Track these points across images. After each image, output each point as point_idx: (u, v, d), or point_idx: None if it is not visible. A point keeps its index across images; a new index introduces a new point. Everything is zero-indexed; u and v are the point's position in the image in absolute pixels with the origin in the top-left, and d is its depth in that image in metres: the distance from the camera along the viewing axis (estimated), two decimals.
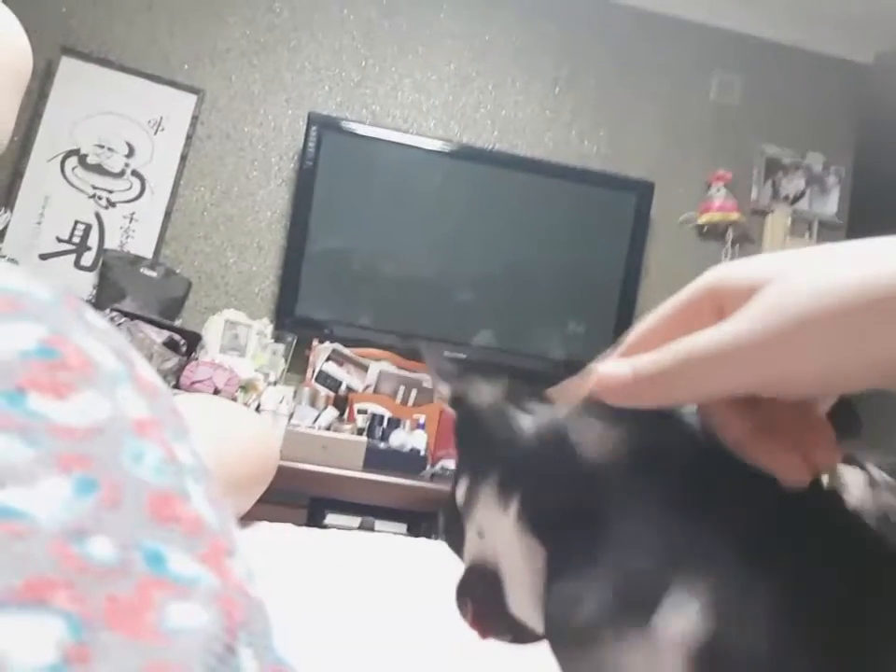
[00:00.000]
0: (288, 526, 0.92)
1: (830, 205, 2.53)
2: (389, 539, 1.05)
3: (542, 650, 0.31)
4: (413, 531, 1.77)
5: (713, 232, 2.46)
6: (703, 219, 2.44)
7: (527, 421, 0.29)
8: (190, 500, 0.19)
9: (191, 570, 0.17)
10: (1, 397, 0.17)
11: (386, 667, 0.51)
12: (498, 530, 0.29)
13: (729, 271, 0.26)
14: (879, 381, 0.22)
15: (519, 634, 0.31)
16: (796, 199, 2.52)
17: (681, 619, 0.22)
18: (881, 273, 0.21)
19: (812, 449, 0.25)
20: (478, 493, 0.31)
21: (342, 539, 0.91)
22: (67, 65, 2.15)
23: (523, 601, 0.29)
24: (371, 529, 1.75)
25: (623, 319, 2.30)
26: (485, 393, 0.32)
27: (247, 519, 0.85)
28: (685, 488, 0.25)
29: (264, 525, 0.88)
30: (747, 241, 2.48)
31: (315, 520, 1.75)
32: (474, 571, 0.32)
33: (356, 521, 1.78)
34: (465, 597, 0.33)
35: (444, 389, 0.33)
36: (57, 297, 0.20)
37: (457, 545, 0.33)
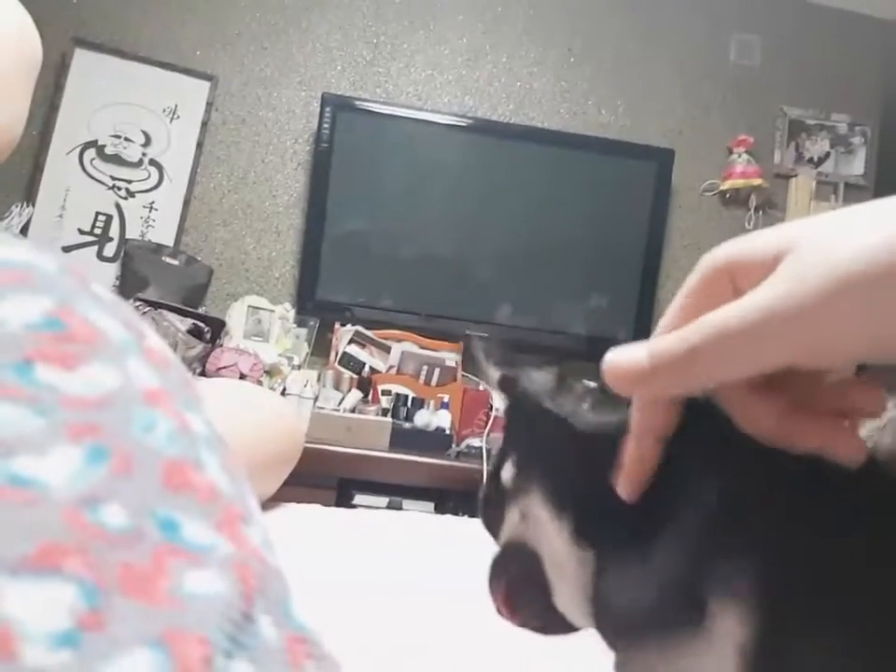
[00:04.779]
0: (317, 507, 0.93)
1: (856, 167, 2.46)
2: (416, 516, 1.06)
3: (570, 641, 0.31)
4: (441, 509, 1.78)
5: (736, 199, 2.42)
6: (725, 186, 2.39)
7: (578, 421, 0.28)
8: (204, 469, 0.19)
9: (206, 538, 0.17)
10: (9, 368, 0.17)
11: (413, 639, 0.52)
12: (547, 532, 0.29)
13: (743, 244, 0.24)
14: None
15: (549, 622, 0.31)
16: (821, 161, 2.46)
17: (728, 617, 0.22)
18: None
19: (855, 403, 0.23)
20: (526, 487, 0.30)
21: (369, 518, 0.92)
22: (81, 57, 2.15)
23: (568, 596, 0.29)
24: (399, 508, 1.77)
25: (647, 291, 2.27)
26: (537, 381, 0.31)
27: (276, 500, 0.86)
28: (724, 481, 0.24)
29: (293, 505, 0.89)
30: (771, 206, 2.43)
31: (343, 500, 1.77)
32: (512, 549, 0.32)
33: (383, 500, 1.79)
34: (499, 575, 0.32)
35: (493, 372, 0.33)
36: (63, 269, 0.20)
37: (494, 523, 0.33)
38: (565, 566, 0.28)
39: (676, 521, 0.24)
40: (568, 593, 0.29)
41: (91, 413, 0.17)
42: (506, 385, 0.32)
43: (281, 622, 0.18)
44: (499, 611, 0.33)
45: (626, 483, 0.26)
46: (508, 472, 0.32)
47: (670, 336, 0.23)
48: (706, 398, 0.26)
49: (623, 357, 0.24)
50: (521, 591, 0.31)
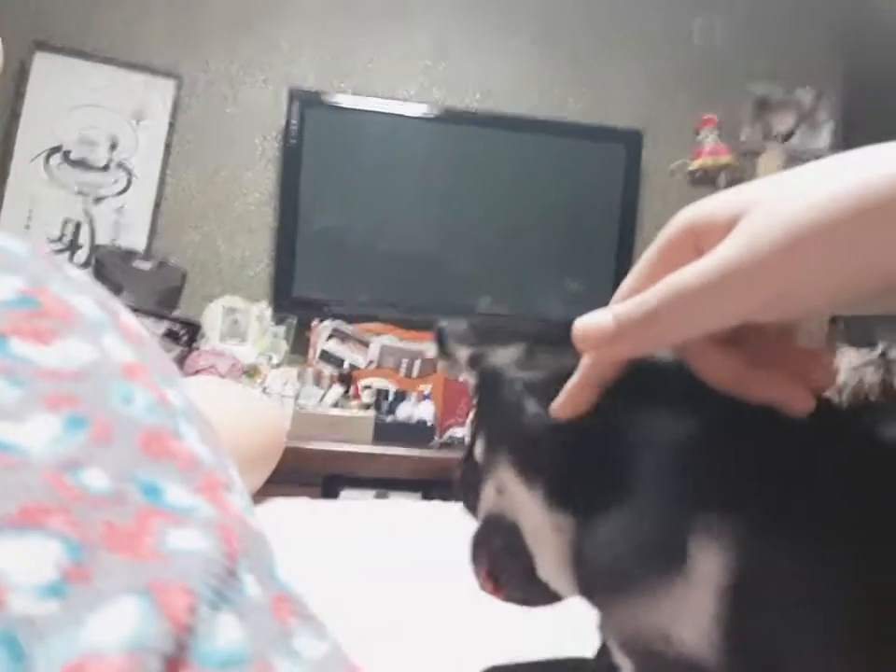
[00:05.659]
0: (304, 500, 0.93)
1: (822, 140, 2.49)
2: (403, 503, 1.06)
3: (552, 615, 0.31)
4: (428, 500, 1.78)
5: (705, 178, 2.44)
6: (694, 165, 2.42)
7: (536, 405, 0.29)
8: (183, 438, 0.19)
9: (188, 501, 0.18)
10: None
11: (402, 619, 0.52)
12: (523, 503, 0.29)
13: (703, 206, 0.25)
14: (881, 296, 0.22)
15: (532, 594, 0.31)
16: (788, 136, 2.49)
17: (707, 560, 0.22)
18: (881, 176, 0.21)
19: (808, 372, 0.24)
20: (496, 461, 0.31)
21: (356, 507, 0.92)
22: (41, 61, 2.11)
23: (550, 564, 0.29)
24: None
25: (622, 273, 2.21)
26: (502, 356, 0.32)
27: (262, 496, 0.86)
28: (693, 432, 0.25)
29: (280, 500, 0.89)
30: (740, 183, 2.45)
31: (330, 497, 1.77)
32: (491, 523, 0.32)
33: (370, 494, 1.80)
34: (481, 551, 0.33)
35: (462, 351, 0.33)
36: (34, 251, 0.20)
37: (471, 500, 0.33)
38: (542, 533, 0.29)
39: (651, 471, 0.25)
40: (550, 560, 0.29)
41: (68, 384, 0.18)
42: (475, 363, 0.33)
43: (265, 582, 0.19)
44: (483, 587, 0.33)
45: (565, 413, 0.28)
46: (479, 448, 0.32)
47: (632, 300, 0.25)
48: (672, 355, 0.27)
49: (590, 321, 0.26)
50: (503, 564, 0.32)
